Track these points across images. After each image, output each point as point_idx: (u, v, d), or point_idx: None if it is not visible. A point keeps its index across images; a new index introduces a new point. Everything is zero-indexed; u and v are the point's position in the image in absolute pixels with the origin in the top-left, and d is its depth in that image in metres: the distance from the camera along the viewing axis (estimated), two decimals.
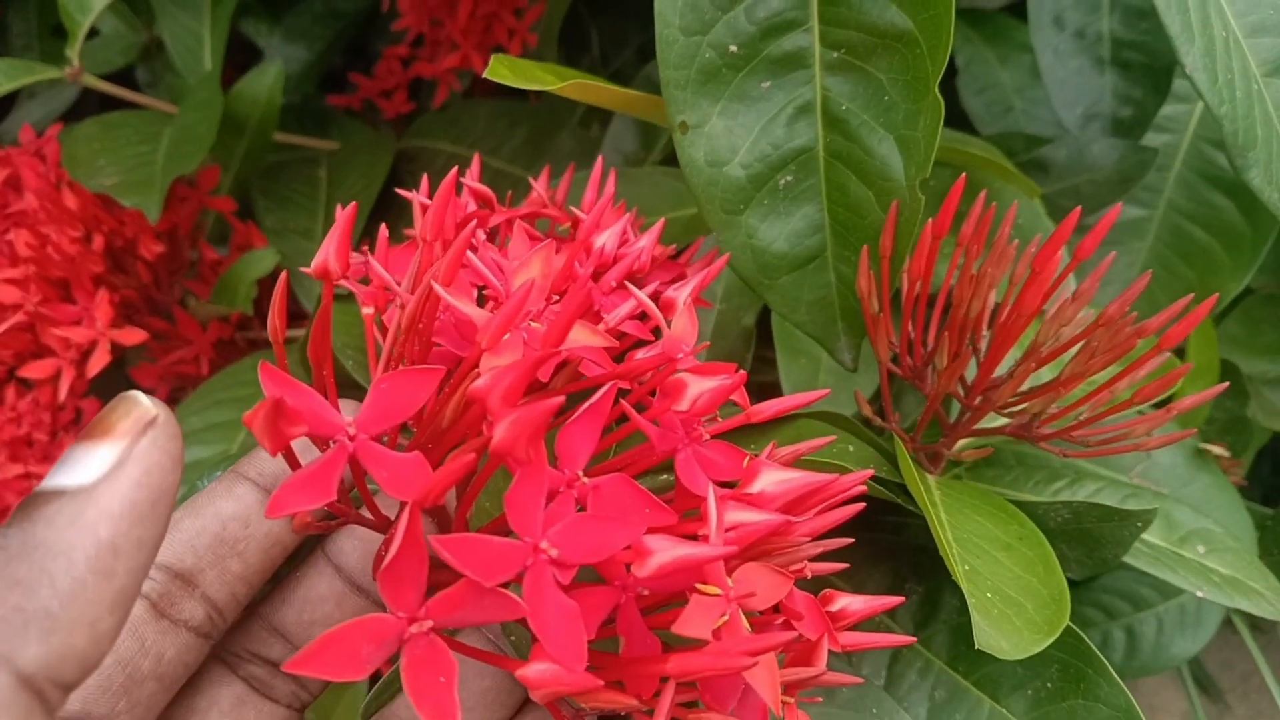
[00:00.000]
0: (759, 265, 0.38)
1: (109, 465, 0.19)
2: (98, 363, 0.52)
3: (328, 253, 0.25)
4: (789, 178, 0.37)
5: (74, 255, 0.53)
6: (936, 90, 0.34)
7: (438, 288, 0.24)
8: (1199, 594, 0.39)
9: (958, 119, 0.59)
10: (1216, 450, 0.47)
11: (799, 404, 0.29)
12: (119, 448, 0.20)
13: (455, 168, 0.33)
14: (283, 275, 0.23)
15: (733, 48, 0.36)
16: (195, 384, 0.56)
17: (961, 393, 0.38)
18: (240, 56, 0.85)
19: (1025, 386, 0.37)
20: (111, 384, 0.57)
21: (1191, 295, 0.35)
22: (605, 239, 0.32)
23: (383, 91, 0.73)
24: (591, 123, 0.65)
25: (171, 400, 0.58)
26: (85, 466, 0.19)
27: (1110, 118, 0.49)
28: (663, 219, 0.35)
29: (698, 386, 0.24)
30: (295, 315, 0.64)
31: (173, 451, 0.20)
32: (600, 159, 0.41)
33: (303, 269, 0.28)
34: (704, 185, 0.37)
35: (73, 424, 0.57)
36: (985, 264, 0.36)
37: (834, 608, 0.25)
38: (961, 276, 0.35)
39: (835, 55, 0.36)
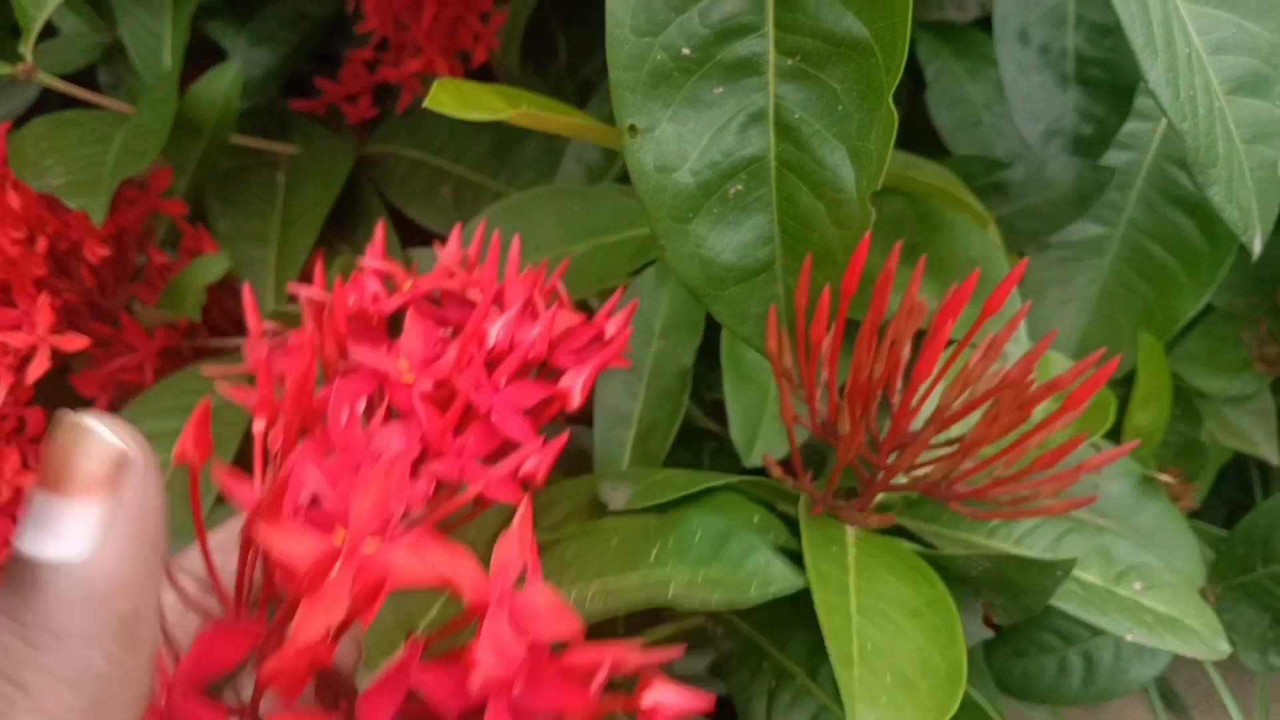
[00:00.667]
0: (707, 275, 0.37)
1: (98, 530, 0.18)
2: (37, 369, 0.51)
3: (186, 443, 0.23)
4: (739, 186, 0.36)
5: (15, 257, 0.51)
6: (890, 102, 0.33)
7: (262, 531, 0.20)
8: (1128, 637, 0.38)
9: (928, 134, 0.58)
10: (1165, 478, 0.46)
11: None
12: (103, 508, 0.18)
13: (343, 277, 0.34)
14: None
15: (685, 50, 0.35)
16: (138, 392, 0.54)
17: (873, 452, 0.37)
18: (208, 60, 0.84)
19: (949, 436, 0.36)
20: (54, 391, 0.55)
21: (1102, 350, 0.34)
22: (497, 329, 0.31)
23: (347, 96, 0.72)
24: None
25: (113, 408, 0.56)
26: (71, 533, 0.18)
27: (1072, 135, 0.48)
28: (566, 259, 0.34)
29: None
30: (240, 323, 0.63)
31: (156, 485, 0.19)
32: (490, 230, 0.39)
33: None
34: (652, 192, 0.36)
35: (14, 433, 0.55)
36: (892, 322, 0.35)
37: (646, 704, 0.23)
38: (859, 338, 0.34)
39: (790, 62, 0.35)
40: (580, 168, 0.60)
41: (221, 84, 0.63)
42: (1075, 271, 0.54)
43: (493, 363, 0.31)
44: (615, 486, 0.38)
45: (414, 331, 0.30)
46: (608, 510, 0.38)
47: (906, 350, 0.35)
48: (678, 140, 0.35)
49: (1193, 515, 0.55)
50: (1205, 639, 0.39)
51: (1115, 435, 0.54)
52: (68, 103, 0.63)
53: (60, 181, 0.52)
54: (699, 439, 0.54)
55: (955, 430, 0.35)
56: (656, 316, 0.47)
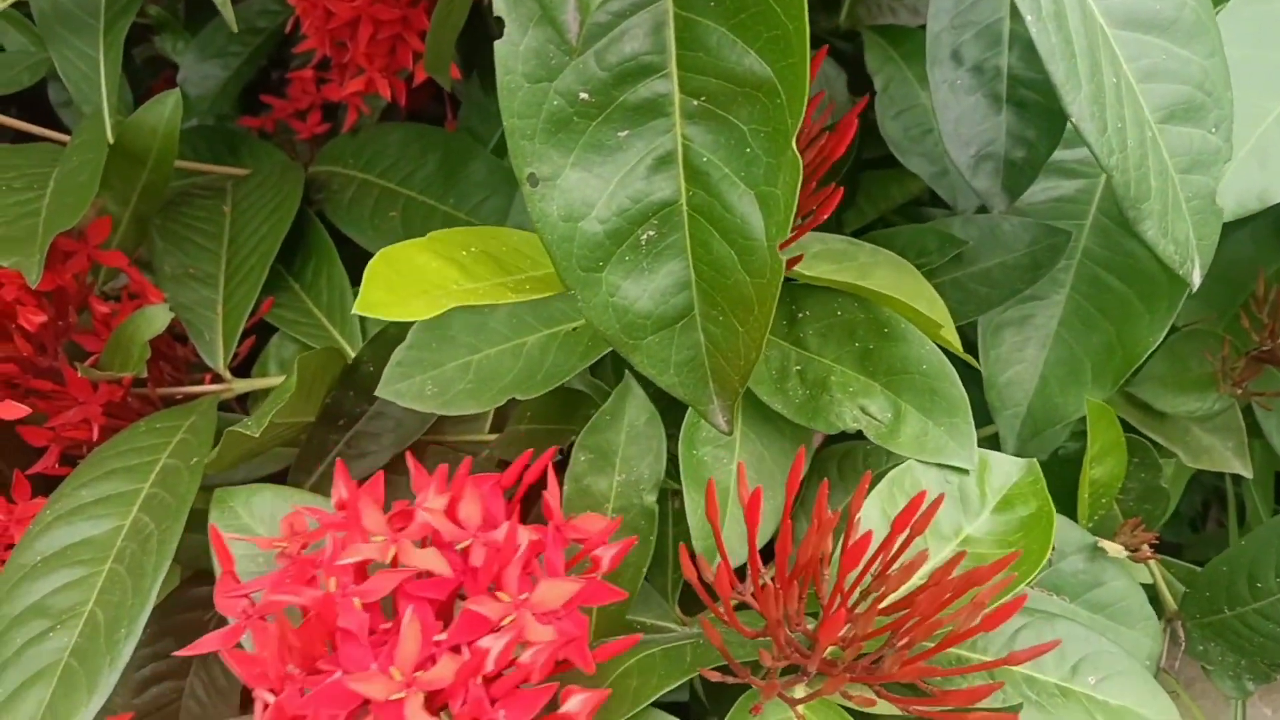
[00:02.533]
0: (622, 325, 0.35)
1: None
2: None
3: None
4: (651, 232, 0.34)
5: None
6: (795, 146, 0.31)
7: None
8: None
9: (876, 144, 0.56)
10: (1113, 548, 0.46)
11: None
12: None
13: None
14: None
15: (584, 94, 0.33)
16: (87, 443, 0.53)
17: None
18: (169, 71, 0.82)
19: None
20: (2, 438, 0.54)
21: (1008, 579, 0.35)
22: (498, 650, 0.32)
23: (296, 112, 0.70)
24: (504, 152, 0.63)
25: (66, 460, 0.55)
26: None
27: (1004, 159, 0.46)
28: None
29: None
30: (197, 368, 0.62)
31: None
32: None
33: None
34: (559, 242, 0.34)
35: None
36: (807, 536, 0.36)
37: None
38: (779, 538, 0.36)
39: (695, 103, 0.33)
40: None
41: (163, 112, 0.61)
42: (1032, 310, 0.52)
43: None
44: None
45: (412, 632, 0.30)
46: None
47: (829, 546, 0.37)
48: (583, 187, 0.34)
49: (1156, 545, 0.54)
50: None
51: (1071, 500, 0.53)
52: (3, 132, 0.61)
53: None
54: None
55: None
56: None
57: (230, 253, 0.62)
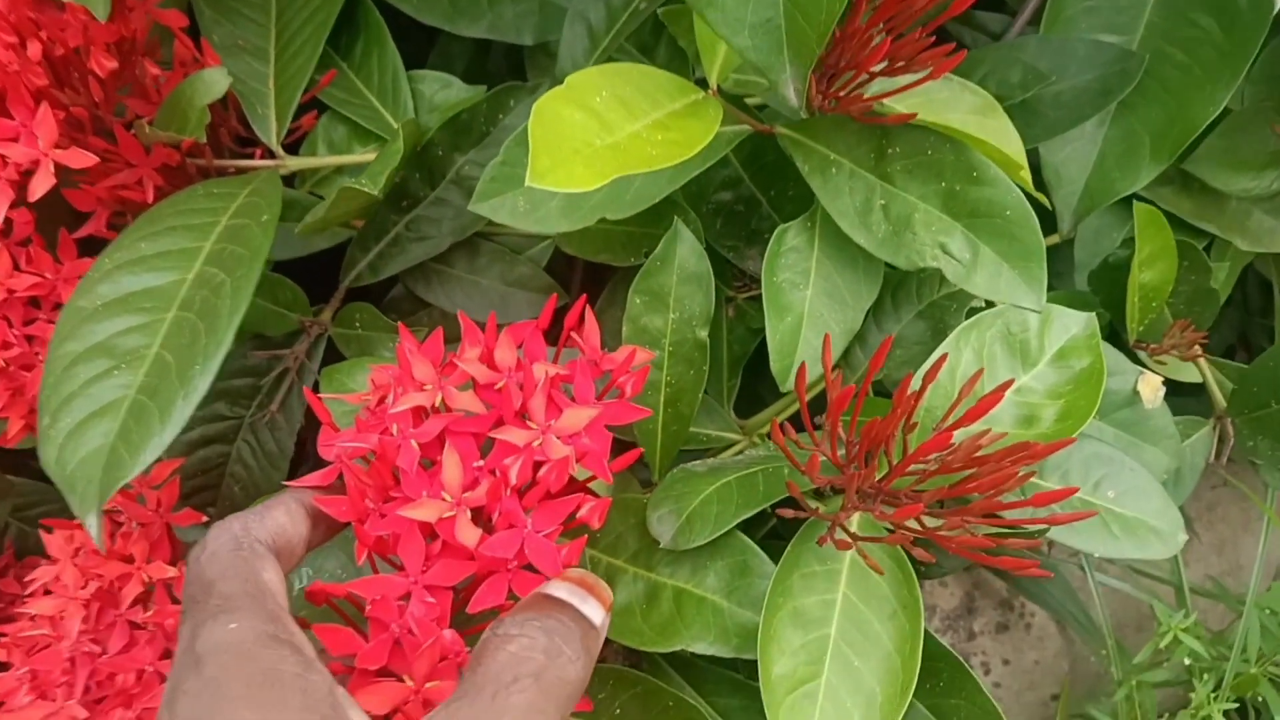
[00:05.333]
0: None
1: (604, 618, 0.34)
2: (41, 184, 0.49)
3: None
4: None
5: (7, 63, 0.48)
6: None
7: None
8: (1096, 553, 0.48)
9: None
10: (1147, 388, 0.50)
11: None
12: (605, 610, 0.34)
13: None
14: None
15: None
16: (136, 210, 0.53)
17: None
18: None
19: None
20: (45, 202, 0.53)
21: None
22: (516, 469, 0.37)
23: None
24: None
25: (111, 227, 0.55)
26: (596, 610, 0.34)
27: None
28: None
29: None
30: (246, 142, 0.61)
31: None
32: None
33: None
34: None
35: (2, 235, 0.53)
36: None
37: None
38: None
39: None
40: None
41: None
42: None
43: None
44: (662, 518, 0.44)
45: (452, 462, 0.36)
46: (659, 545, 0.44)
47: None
48: None
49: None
50: (1165, 537, 0.48)
51: (1121, 305, 0.56)
52: None
53: None
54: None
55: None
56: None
57: (280, 26, 0.60)
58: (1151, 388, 0.52)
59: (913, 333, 0.54)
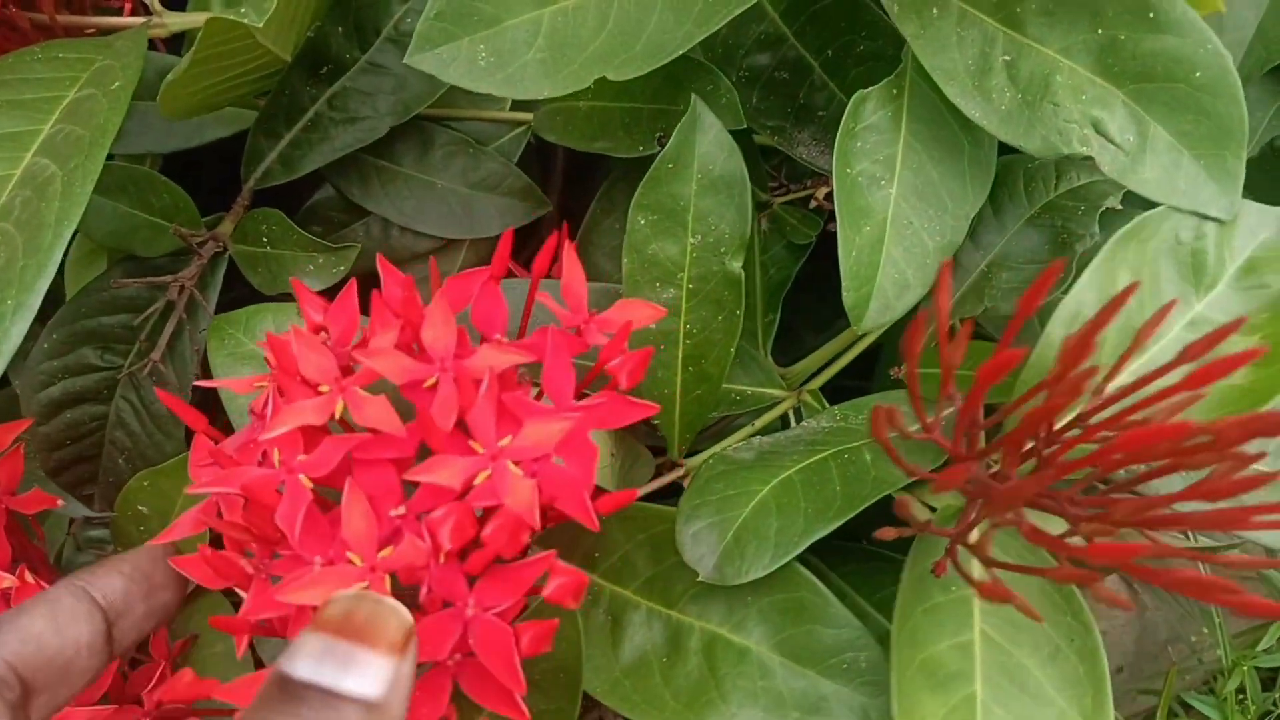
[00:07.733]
0: None
1: (392, 681, 0.22)
2: None
3: None
4: None
5: None
6: None
7: None
8: None
9: None
10: None
11: None
12: (394, 664, 0.22)
13: None
14: None
15: None
16: None
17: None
18: None
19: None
20: None
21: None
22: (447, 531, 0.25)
23: None
24: None
25: None
26: (373, 677, 0.22)
27: None
28: None
29: None
30: None
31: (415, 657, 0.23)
32: None
33: None
34: None
35: None
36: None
37: None
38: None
39: None
40: None
41: None
42: None
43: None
44: (698, 535, 0.30)
45: (357, 512, 0.25)
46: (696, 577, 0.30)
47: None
48: None
49: None
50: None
51: None
52: None
53: None
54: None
55: None
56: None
57: None
58: None
59: (1022, 247, 0.40)
